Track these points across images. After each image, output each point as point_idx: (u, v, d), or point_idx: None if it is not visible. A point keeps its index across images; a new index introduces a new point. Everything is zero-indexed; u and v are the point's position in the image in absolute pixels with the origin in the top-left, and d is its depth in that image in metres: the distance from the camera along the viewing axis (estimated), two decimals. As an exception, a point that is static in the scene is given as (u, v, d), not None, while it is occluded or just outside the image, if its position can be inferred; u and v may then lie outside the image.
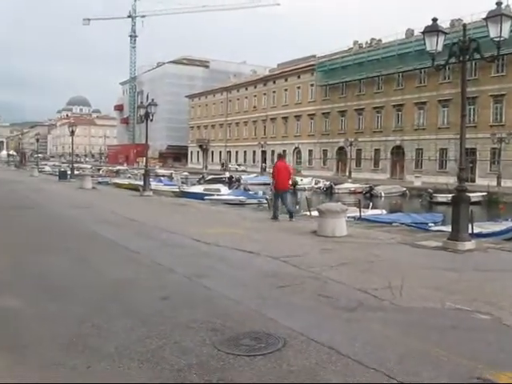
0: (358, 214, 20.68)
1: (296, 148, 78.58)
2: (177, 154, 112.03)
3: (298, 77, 77.60)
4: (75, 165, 58.65)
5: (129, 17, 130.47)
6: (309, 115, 75.15)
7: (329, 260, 9.89)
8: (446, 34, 11.85)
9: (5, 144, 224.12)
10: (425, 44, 11.84)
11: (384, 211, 26.88)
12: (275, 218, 17.10)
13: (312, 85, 74.08)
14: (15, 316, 6.23)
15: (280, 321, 6.05)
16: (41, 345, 5.28)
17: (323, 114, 72.20)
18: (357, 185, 51.98)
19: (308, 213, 21.14)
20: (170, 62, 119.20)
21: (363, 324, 6.04)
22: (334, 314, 6.46)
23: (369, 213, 23.78)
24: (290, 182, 18.06)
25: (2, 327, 5.74)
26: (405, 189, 48.67)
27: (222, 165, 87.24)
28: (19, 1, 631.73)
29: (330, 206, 14.20)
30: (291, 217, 17.28)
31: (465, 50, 11.36)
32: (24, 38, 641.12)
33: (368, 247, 11.57)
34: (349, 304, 6.86)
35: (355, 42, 71.50)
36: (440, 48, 11.55)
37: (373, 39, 69.03)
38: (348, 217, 15.99)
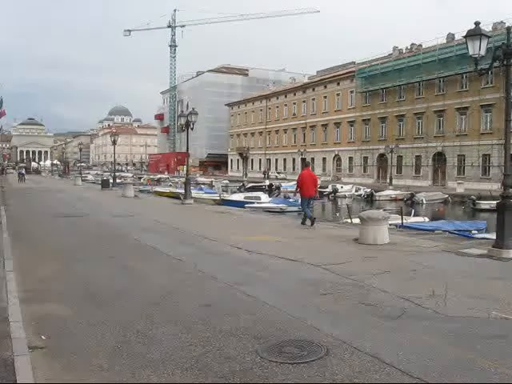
0: (399, 222, 20.43)
1: (336, 155, 78.13)
2: (217, 162, 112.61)
3: (338, 84, 77.23)
4: (117, 173, 59.53)
5: (169, 27, 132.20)
6: (349, 122, 74.67)
7: (371, 268, 9.82)
8: (488, 37, 11.64)
9: (49, 154, 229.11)
10: (467, 48, 11.65)
11: (426, 218, 26.49)
12: (303, 223, 17.96)
13: (352, 91, 73.60)
14: (63, 323, 6.37)
15: (322, 329, 6.05)
16: (88, 351, 5.40)
17: (363, 120, 71.65)
18: (398, 192, 51.33)
19: (349, 220, 21.00)
20: (210, 70, 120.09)
21: (407, 333, 5.98)
22: (377, 322, 6.41)
23: (411, 220, 23.47)
24: (316, 190, 18.64)
25: (50, 334, 5.88)
26: (447, 195, 47.82)
27: (264, 173, 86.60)
28: (62, 16, 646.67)
29: (372, 213, 14.08)
30: (312, 223, 17.57)
31: (509, 54, 11.15)
32: (68, 51, 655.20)
33: (411, 255, 11.45)
34: (392, 312, 6.81)
35: (395, 48, 70.92)
36: (483, 52, 11.36)
37: (413, 44, 68.33)
38: (390, 224, 15.85)
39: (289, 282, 8.66)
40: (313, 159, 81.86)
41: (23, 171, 67.17)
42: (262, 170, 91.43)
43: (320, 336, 5.81)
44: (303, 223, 17.96)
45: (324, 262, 10.26)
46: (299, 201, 20.49)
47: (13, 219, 17.94)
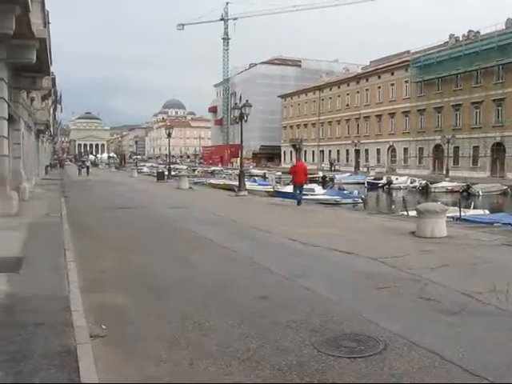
0: (457, 214, 19.98)
1: (390, 146, 76.99)
2: (270, 154, 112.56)
3: (392, 73, 75.94)
4: (171, 166, 60.31)
5: (221, 20, 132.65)
6: (403, 112, 73.38)
7: (429, 261, 9.64)
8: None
9: (106, 147, 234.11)
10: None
11: (486, 211, 25.75)
12: (299, 204, 22.22)
13: (406, 81, 72.21)
14: (122, 313, 6.51)
15: (380, 323, 5.98)
16: (146, 341, 5.49)
17: (418, 110, 70.23)
18: (454, 183, 50.17)
19: (405, 212, 20.67)
20: (262, 62, 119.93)
21: (467, 328, 5.86)
22: (436, 317, 6.30)
23: (470, 213, 22.91)
24: (306, 178, 24.05)
25: (110, 323, 6.01)
26: (506, 187, 46.44)
27: (331, 164, 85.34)
28: (116, 13, 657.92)
29: (429, 205, 13.81)
30: (299, 204, 22.16)
31: None
32: (124, 47, 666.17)
33: (470, 249, 11.17)
34: (451, 307, 6.66)
35: (451, 36, 68.99)
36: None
37: (470, 31, 66.30)
38: (447, 217, 15.51)
39: (345, 275, 8.60)
40: (367, 150, 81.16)
41: (88, 163, 68.30)
42: (327, 161, 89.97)
43: (377, 330, 5.74)
44: (298, 204, 22.18)
45: (381, 254, 10.13)
46: (355, 192, 23.92)
47: (72, 211, 18.40)
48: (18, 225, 13.63)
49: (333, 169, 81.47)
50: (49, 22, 18.98)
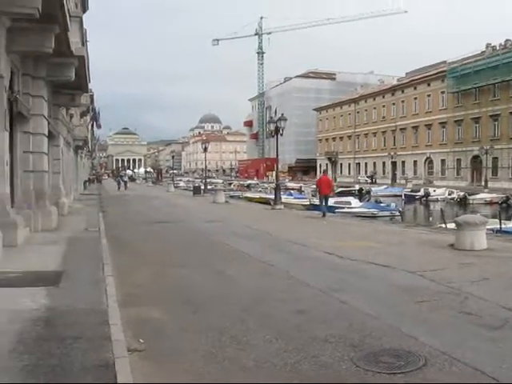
0: (497, 226, 19.58)
1: (427, 158, 76.11)
2: (305, 167, 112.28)
3: (428, 84, 75.27)
4: (208, 180, 60.63)
5: (255, 34, 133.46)
6: (440, 123, 72.54)
7: (469, 275, 9.45)
8: None
9: (142, 161, 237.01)
10: None
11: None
12: (324, 215, 23.14)
13: (443, 92, 71.50)
14: (159, 327, 6.52)
15: (420, 338, 5.87)
16: (183, 355, 5.49)
17: (455, 121, 69.37)
18: (493, 195, 49.32)
19: (443, 225, 20.36)
20: (297, 76, 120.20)
21: (509, 344, 5.71)
22: (477, 332, 6.16)
23: (510, 225, 22.41)
24: (331, 190, 26.50)
25: (147, 337, 6.03)
26: (547, 198, 45.36)
27: (371, 177, 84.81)
28: (154, 30, 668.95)
29: (469, 217, 13.57)
30: (324, 215, 23.11)
31: None
32: (161, 62, 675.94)
33: (511, 261, 10.93)
34: (493, 322, 6.51)
35: (488, 45, 68.07)
36: None
37: (507, 40, 65.26)
38: (487, 229, 15.21)
39: (383, 289, 8.48)
40: (403, 162, 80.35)
41: (126, 178, 68.99)
42: (368, 173, 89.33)
43: (417, 345, 5.64)
44: (323, 215, 23.11)
45: (419, 268, 9.99)
46: (392, 205, 23.94)
47: (110, 225, 18.61)
48: (57, 239, 13.86)
49: (373, 181, 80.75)
50: (87, 41, 19.34)
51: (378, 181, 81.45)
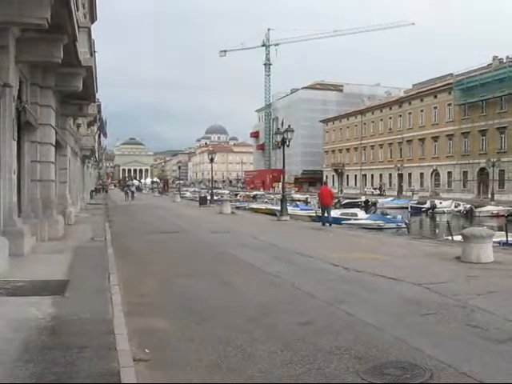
0: (504, 239, 19.50)
1: (434, 170, 75.98)
2: (312, 179, 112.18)
3: (435, 96, 75.27)
4: (214, 190, 60.68)
5: (263, 46, 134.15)
6: (447, 136, 72.46)
7: (475, 288, 9.41)
8: None
9: (149, 172, 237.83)
10: None
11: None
12: (323, 225, 24.30)
13: (449, 104, 71.46)
14: (165, 337, 6.52)
15: (426, 350, 5.84)
16: (189, 365, 5.48)
17: (462, 133, 69.26)
18: (500, 207, 49.20)
19: (450, 237, 20.29)
20: (304, 87, 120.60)
21: (517, 358, 5.66)
22: (484, 345, 6.12)
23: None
24: (334, 201, 28.09)
25: (153, 347, 6.02)
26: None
27: (380, 188, 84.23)
28: (163, 41, 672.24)
29: (475, 230, 13.51)
30: (330, 225, 24.13)
31: None
32: (167, 73, 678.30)
33: (518, 274, 10.88)
34: (499, 335, 6.47)
35: (495, 58, 68.08)
36: None
37: (514, 53, 65.34)
38: (493, 242, 15.15)
39: (389, 301, 8.44)
40: (410, 174, 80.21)
41: (133, 188, 69.05)
42: (376, 185, 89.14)
43: (423, 358, 5.60)
44: (323, 224, 24.36)
45: (425, 280, 9.94)
46: (398, 217, 24.05)
47: (116, 235, 18.65)
48: (63, 248, 13.90)
49: (381, 193, 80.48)
50: (95, 51, 19.47)
51: (385, 193, 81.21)
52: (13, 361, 5.15)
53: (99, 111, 46.94)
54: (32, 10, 10.01)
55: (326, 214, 25.19)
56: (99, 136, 66.99)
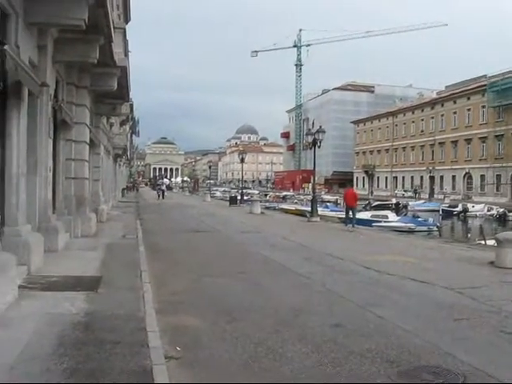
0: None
1: (466, 173, 74.90)
2: (342, 180, 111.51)
3: (468, 98, 74.21)
4: (244, 190, 60.73)
5: (294, 46, 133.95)
6: (480, 138, 71.35)
7: (509, 293, 9.28)
8: None
9: (180, 171, 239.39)
10: None
11: None
12: (346, 225, 25.26)
13: (483, 106, 70.36)
14: (196, 335, 6.56)
15: (458, 355, 5.79)
16: (220, 364, 5.53)
17: (496, 136, 68.11)
18: (533, 211, 48.34)
19: (483, 241, 20.00)
20: (335, 88, 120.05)
21: (552, 365, 5.57)
22: (518, 352, 6.03)
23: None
24: (356, 202, 27.17)
25: (184, 345, 6.08)
26: None
27: (415, 191, 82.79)
28: (199, 44, 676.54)
29: (509, 234, 13.28)
30: (353, 226, 24.66)
31: None
32: (199, 73, 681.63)
33: (553, 281, 10.69)
34: (534, 342, 6.37)
35: (531, 59, 67.04)
36: None
37: (552, 55, 64.21)
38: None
39: (421, 305, 8.38)
40: (442, 177, 79.24)
41: (163, 187, 69.30)
42: (405, 187, 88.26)
43: (456, 363, 5.56)
44: (346, 225, 25.40)
45: (458, 285, 9.84)
46: (430, 220, 27.16)
47: (147, 233, 18.82)
48: (96, 245, 14.08)
49: (416, 196, 79.52)
50: (129, 51, 19.71)
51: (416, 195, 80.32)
52: (48, 354, 5.24)
53: (131, 110, 47.43)
54: (70, 11, 10.15)
55: (350, 215, 25.98)
56: (131, 135, 67.70)
